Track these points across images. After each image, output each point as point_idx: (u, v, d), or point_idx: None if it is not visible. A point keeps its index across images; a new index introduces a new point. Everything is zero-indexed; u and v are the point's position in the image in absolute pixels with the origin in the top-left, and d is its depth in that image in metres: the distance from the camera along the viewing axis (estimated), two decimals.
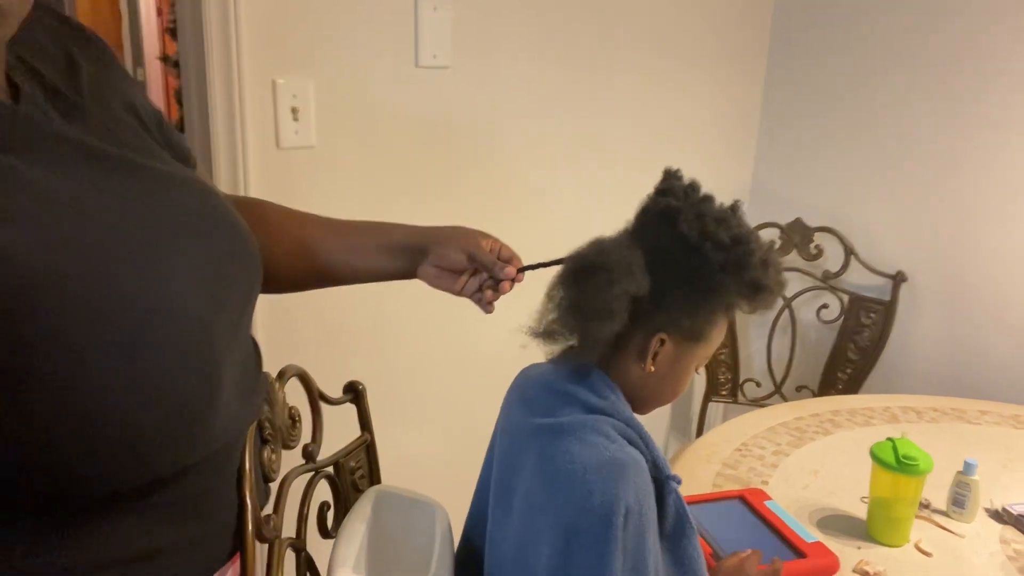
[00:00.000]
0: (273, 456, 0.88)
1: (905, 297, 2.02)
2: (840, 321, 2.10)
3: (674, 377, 0.87)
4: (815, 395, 2.14)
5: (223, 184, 1.33)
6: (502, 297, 0.92)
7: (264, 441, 0.88)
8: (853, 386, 2.07)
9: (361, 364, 1.56)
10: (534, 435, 0.84)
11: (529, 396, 0.90)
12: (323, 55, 1.41)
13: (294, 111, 1.38)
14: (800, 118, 2.18)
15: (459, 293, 0.92)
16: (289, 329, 1.46)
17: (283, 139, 1.38)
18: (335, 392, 1.13)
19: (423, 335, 1.67)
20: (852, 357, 2.08)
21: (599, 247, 0.82)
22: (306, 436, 1.03)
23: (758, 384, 2.23)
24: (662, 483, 0.81)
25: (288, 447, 0.96)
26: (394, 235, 0.92)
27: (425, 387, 1.74)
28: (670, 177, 0.85)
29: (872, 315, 2.05)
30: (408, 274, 0.93)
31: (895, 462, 1.06)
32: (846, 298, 2.09)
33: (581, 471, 0.76)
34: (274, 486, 0.91)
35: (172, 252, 0.60)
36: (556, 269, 0.86)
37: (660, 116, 2.00)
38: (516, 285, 0.91)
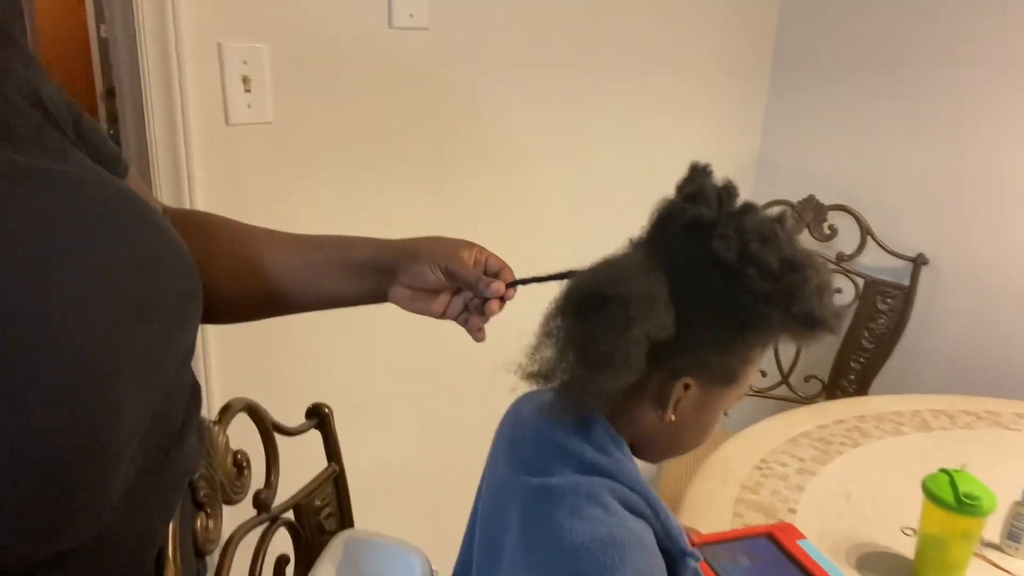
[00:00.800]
0: (210, 523, 0.71)
1: (926, 281, 1.87)
2: (854, 306, 1.94)
3: (699, 425, 0.71)
4: (824, 386, 2.00)
5: (161, 171, 1.13)
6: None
7: (198, 505, 0.71)
8: (866, 377, 1.93)
9: (328, 388, 1.39)
10: (520, 496, 0.68)
11: (517, 443, 0.74)
12: (279, 14, 1.20)
13: (245, 81, 1.18)
14: (812, 84, 2.00)
15: (442, 316, 0.77)
16: (242, 359, 1.28)
17: (233, 114, 1.18)
18: (296, 423, 0.96)
19: (398, 348, 1.49)
20: (866, 346, 1.93)
21: (611, 271, 0.65)
22: (258, 481, 0.86)
23: (763, 373, 2.07)
24: (676, 558, 0.65)
25: (231, 502, 0.78)
26: (357, 251, 0.76)
27: (403, 407, 1.56)
28: (698, 175, 0.68)
29: (889, 301, 1.90)
30: (377, 297, 0.77)
31: (954, 501, 0.90)
32: (861, 282, 1.94)
33: (570, 551, 0.60)
34: (214, 556, 0.74)
35: (58, 269, 0.45)
36: (556, 285, 0.69)
37: (660, 82, 1.81)
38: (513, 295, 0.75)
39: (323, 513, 1.00)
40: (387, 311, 0.91)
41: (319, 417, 1.01)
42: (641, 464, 0.71)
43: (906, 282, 1.88)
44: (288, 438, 0.94)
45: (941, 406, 1.45)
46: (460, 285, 0.74)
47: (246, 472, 0.81)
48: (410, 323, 1.11)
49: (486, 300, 0.73)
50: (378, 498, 1.33)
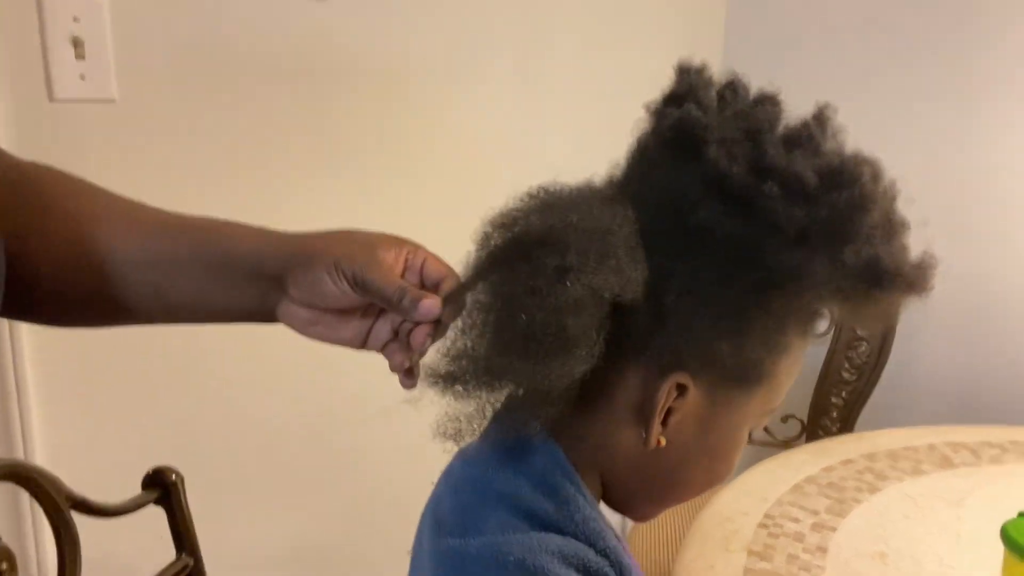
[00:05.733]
0: None
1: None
2: (830, 333, 1.73)
3: (708, 452, 0.48)
4: (804, 427, 1.77)
5: None
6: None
7: None
8: (850, 414, 1.70)
9: (181, 434, 1.07)
10: (430, 569, 0.47)
11: (440, 496, 0.51)
12: None
13: (76, 44, 0.90)
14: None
15: (362, 347, 0.54)
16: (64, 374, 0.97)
17: (59, 87, 0.91)
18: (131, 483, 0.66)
19: (299, 381, 1.19)
20: (847, 377, 1.72)
21: (545, 201, 0.45)
22: None
23: None
24: None
25: None
26: (233, 245, 0.53)
27: (293, 465, 1.23)
28: (688, 75, 0.47)
29: None
30: (261, 314, 0.54)
31: None
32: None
33: None
34: None
35: None
36: None
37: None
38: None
39: None
40: (282, 341, 0.63)
41: (163, 487, 0.70)
42: None
43: None
44: (112, 521, 0.64)
45: (959, 438, 1.23)
46: (376, 302, 0.50)
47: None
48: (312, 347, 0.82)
49: (416, 326, 0.49)
50: None
